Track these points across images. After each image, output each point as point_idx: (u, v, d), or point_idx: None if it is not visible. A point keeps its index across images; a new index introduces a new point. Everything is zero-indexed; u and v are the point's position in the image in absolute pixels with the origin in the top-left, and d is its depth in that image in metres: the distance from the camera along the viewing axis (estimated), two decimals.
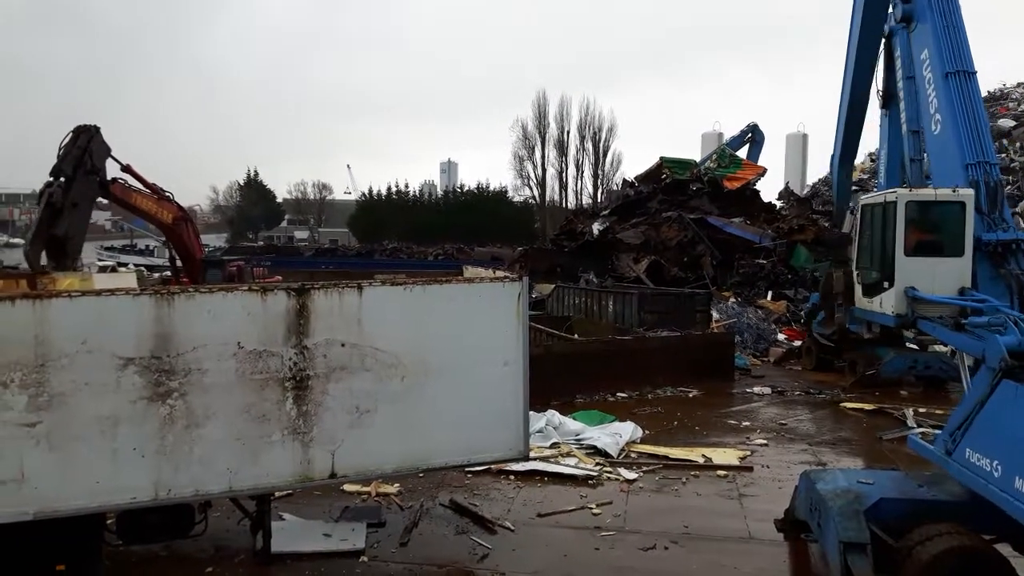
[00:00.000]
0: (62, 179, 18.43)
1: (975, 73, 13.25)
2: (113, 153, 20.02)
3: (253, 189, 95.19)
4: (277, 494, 7.24)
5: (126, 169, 20.79)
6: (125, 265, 46.35)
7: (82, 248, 20.54)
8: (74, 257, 18.94)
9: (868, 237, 14.41)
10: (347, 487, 8.15)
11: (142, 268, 39.30)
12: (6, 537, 5.49)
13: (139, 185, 21.31)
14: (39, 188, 18.95)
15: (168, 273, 23.02)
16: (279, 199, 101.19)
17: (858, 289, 14.96)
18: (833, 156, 19.18)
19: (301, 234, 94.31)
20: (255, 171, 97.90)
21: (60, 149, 18.72)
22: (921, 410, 12.47)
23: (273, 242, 79.21)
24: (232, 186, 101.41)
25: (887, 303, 12.72)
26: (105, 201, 22.42)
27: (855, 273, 14.96)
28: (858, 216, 14.95)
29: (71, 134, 18.84)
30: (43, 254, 18.62)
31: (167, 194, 21.82)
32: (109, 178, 20.11)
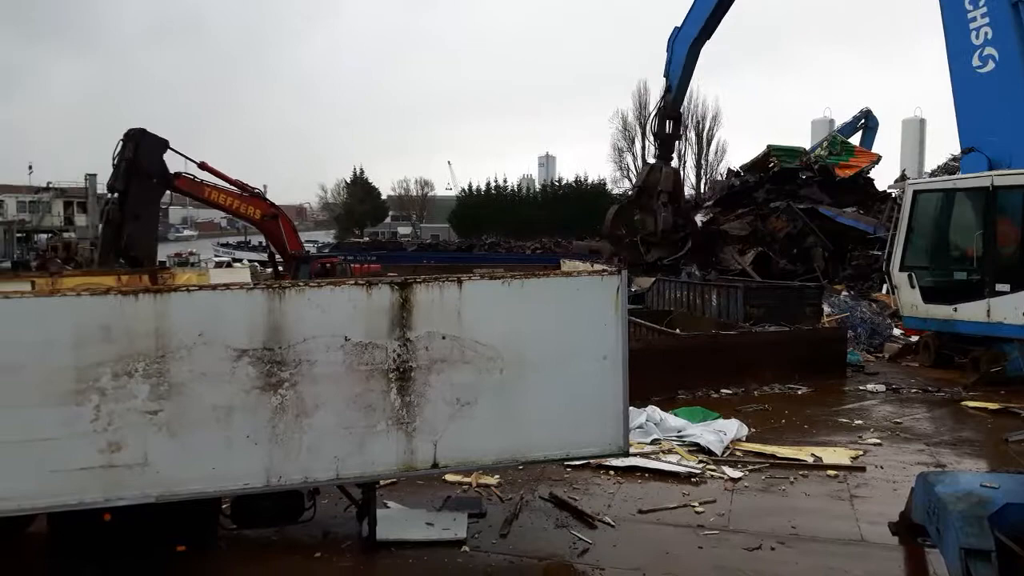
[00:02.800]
0: (116, 194, 18.73)
1: None
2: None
3: (359, 187, 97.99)
4: (382, 482, 7.42)
5: (202, 166, 20.73)
6: (240, 261, 48.51)
7: (156, 248, 20.81)
8: (150, 259, 19.19)
9: (937, 230, 12.41)
10: (448, 477, 8.27)
11: (256, 264, 41.08)
12: (133, 519, 5.85)
13: (221, 183, 21.27)
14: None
15: (281, 268, 23.44)
16: (383, 196, 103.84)
17: (907, 294, 12.96)
18: (682, 32, 16.57)
19: (404, 230, 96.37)
20: (361, 169, 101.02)
21: (113, 159, 18.88)
22: None
23: (378, 238, 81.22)
24: (339, 184, 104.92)
25: (1009, 309, 11.14)
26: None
27: (904, 275, 12.99)
28: (906, 205, 12.87)
29: (120, 142, 18.89)
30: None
31: (256, 191, 22.15)
32: (173, 172, 19.98)
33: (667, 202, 13.35)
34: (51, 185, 59.28)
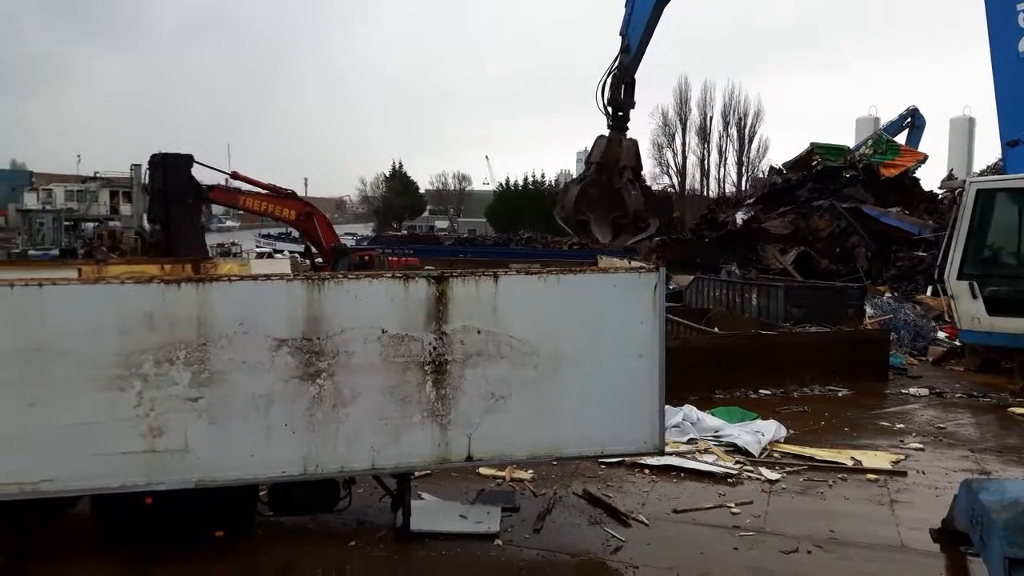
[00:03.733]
0: (158, 225, 19.30)
1: None
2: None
3: (397, 180, 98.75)
4: (417, 473, 7.46)
5: (234, 176, 21.24)
6: (281, 252, 49.13)
7: (206, 248, 21.80)
8: (204, 254, 19.76)
9: (1007, 234, 11.28)
10: (482, 471, 8.30)
11: (296, 255, 41.61)
12: (173, 504, 5.97)
13: (255, 188, 21.75)
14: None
15: (319, 260, 23.80)
16: (421, 190, 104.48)
17: (968, 305, 11.72)
18: None
19: (441, 223, 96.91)
20: (399, 163, 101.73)
21: (145, 189, 19.62)
22: None
23: (415, 231, 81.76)
24: (379, 177, 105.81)
25: None
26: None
27: (964, 284, 11.77)
28: (967, 205, 11.58)
29: (147, 171, 19.41)
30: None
31: (288, 192, 22.47)
32: (206, 185, 20.38)
33: (632, 178, 12.20)
34: (98, 175, 60.65)
